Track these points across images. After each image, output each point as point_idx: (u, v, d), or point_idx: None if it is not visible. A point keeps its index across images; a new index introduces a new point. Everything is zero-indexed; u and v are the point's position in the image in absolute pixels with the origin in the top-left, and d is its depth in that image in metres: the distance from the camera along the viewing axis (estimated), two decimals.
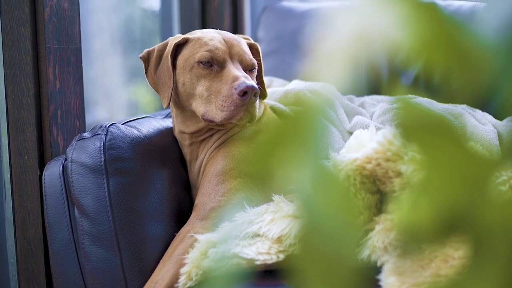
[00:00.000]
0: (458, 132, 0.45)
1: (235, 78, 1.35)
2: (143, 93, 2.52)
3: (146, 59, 1.50)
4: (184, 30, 2.36)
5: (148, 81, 1.50)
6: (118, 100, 2.49)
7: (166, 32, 2.48)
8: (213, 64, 1.40)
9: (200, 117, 1.41)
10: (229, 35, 1.49)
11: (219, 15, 2.36)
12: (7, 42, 1.49)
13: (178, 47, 1.46)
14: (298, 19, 2.06)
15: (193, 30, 1.55)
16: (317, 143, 0.39)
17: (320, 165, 0.39)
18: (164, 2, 2.49)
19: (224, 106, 1.34)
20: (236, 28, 2.42)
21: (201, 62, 1.40)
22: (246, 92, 1.32)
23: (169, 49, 1.45)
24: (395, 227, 1.07)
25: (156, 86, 1.48)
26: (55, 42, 1.50)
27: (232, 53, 1.43)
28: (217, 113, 1.36)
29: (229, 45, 1.44)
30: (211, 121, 1.39)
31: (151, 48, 1.51)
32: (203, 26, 2.38)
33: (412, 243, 0.48)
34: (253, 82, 1.35)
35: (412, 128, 0.46)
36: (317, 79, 1.56)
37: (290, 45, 2.02)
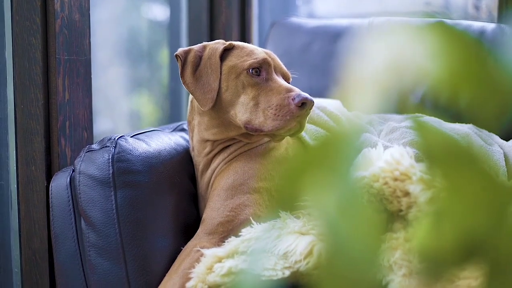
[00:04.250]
0: (478, 157, 0.45)
1: (290, 89, 1.35)
2: (145, 103, 2.52)
3: (183, 58, 1.45)
4: (192, 43, 2.37)
5: (182, 81, 1.45)
6: (120, 110, 2.49)
7: (174, 44, 2.49)
8: (261, 74, 1.40)
9: (242, 125, 1.39)
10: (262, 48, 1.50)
11: (227, 30, 2.37)
12: (17, 52, 1.50)
13: (224, 52, 1.45)
14: (307, 35, 2.07)
15: None
16: (345, 167, 0.39)
17: (347, 189, 0.39)
18: (173, 15, 2.51)
19: (278, 116, 1.33)
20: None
21: (250, 70, 1.39)
22: (304, 103, 1.33)
23: (217, 52, 1.43)
24: (412, 251, 1.07)
25: (193, 87, 1.43)
26: (65, 53, 1.51)
27: (274, 65, 1.44)
28: (266, 122, 1.34)
29: (270, 57, 1.46)
30: (256, 130, 1.37)
31: (186, 48, 1.47)
32: (211, 40, 2.39)
33: (431, 267, 0.48)
34: (308, 95, 1.36)
35: (433, 154, 0.46)
36: (347, 104, 1.56)
37: (298, 61, 2.02)
